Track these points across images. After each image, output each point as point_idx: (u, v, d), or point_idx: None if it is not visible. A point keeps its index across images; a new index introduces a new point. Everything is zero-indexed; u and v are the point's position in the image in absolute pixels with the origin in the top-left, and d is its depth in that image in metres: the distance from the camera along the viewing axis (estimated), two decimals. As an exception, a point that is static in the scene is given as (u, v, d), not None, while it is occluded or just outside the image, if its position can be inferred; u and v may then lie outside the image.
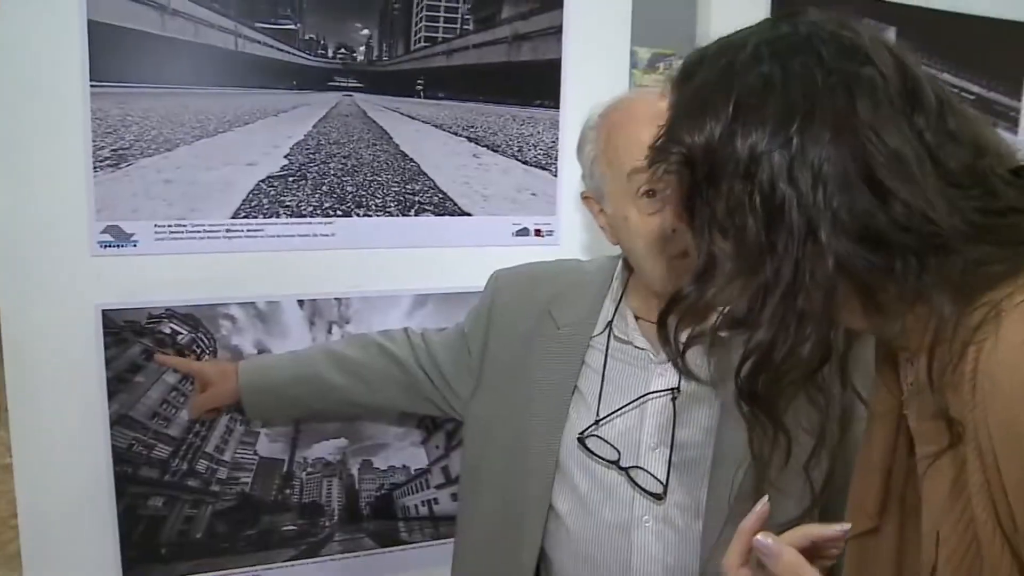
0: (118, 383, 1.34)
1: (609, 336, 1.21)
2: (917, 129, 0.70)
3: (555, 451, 1.19)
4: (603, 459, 1.16)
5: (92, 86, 1.28)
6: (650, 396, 1.16)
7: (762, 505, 0.76)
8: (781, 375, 0.73)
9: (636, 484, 1.14)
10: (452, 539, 1.47)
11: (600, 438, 1.16)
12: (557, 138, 1.57)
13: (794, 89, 0.70)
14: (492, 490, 1.27)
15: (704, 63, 0.77)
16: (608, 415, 1.17)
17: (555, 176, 1.57)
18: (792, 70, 0.71)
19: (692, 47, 0.82)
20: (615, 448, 1.15)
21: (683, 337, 0.86)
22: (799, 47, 0.72)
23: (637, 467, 1.14)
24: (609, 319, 1.22)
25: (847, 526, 0.76)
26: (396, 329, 1.43)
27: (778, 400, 0.76)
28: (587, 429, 1.17)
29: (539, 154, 1.55)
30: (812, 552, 0.75)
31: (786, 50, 0.72)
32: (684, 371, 0.98)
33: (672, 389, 1.16)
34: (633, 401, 1.17)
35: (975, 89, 1.94)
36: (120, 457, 1.35)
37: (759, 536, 0.73)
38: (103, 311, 1.32)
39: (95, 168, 1.30)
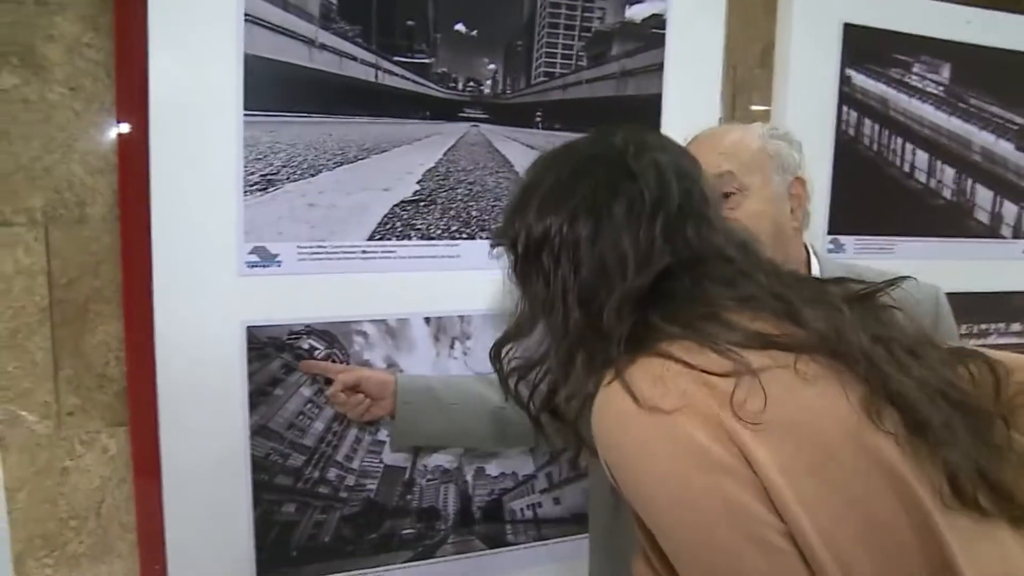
0: (259, 396, 1.41)
1: None
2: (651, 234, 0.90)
3: None
4: None
5: (245, 115, 1.35)
6: None
7: None
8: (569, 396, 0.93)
9: None
10: (554, 540, 1.61)
11: None
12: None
13: (574, 194, 0.92)
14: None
15: (535, 165, 1.02)
16: None
17: (652, 201, 1.67)
18: (576, 180, 0.94)
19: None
20: None
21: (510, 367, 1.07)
22: (588, 163, 0.95)
23: None
24: None
25: None
26: None
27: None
28: None
29: (641, 182, 1.65)
30: None
31: (581, 164, 0.96)
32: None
33: None
34: None
35: (1020, 120, 2.07)
36: (258, 465, 1.42)
37: None
38: (248, 327, 1.40)
39: (245, 192, 1.36)
